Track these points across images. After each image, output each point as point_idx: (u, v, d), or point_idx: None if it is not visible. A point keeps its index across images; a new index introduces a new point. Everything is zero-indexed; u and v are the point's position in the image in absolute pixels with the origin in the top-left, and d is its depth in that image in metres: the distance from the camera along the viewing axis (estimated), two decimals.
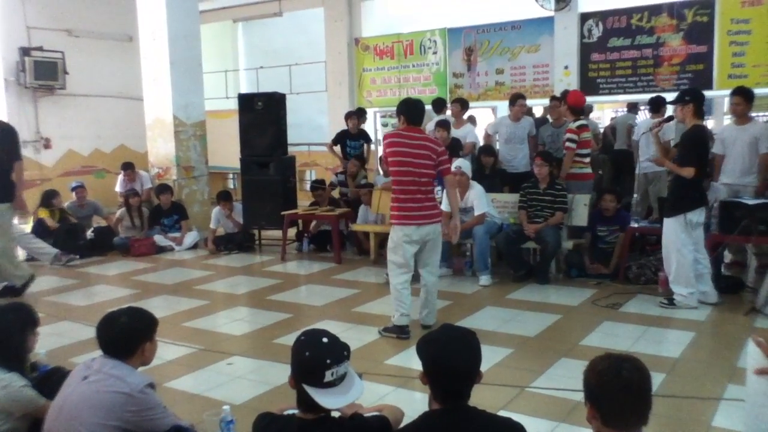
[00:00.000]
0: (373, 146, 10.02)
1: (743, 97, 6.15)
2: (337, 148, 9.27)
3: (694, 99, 5.25)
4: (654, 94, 8.26)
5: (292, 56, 13.29)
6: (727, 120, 6.59)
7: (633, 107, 9.92)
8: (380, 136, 9.83)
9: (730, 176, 6.33)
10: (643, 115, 9.59)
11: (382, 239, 7.72)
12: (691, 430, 3.29)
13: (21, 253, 8.14)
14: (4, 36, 10.35)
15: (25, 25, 10.56)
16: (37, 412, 2.83)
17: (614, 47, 9.76)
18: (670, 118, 6.34)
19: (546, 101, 8.91)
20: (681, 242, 5.26)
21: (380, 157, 6.95)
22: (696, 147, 5.21)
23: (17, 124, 10.41)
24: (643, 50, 9.58)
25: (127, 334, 2.71)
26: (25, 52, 10.39)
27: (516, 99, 7.83)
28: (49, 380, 2.95)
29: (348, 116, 9.31)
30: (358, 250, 8.14)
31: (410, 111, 4.93)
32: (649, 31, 9.50)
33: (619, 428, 1.89)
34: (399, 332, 4.89)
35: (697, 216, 5.28)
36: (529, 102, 10.44)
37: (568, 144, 6.77)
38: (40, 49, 10.57)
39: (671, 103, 5.44)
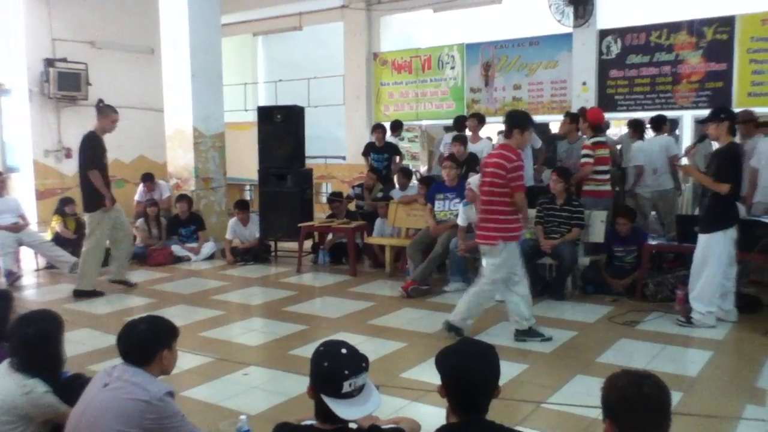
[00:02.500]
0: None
1: None
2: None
3: (729, 117, 5.24)
4: (674, 112, 8.25)
5: (310, 70, 13.39)
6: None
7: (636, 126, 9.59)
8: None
9: (763, 192, 6.28)
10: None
11: (398, 252, 7.75)
12: None
13: (41, 261, 8.27)
14: (30, 47, 10.54)
15: (50, 37, 10.75)
16: (57, 418, 2.85)
17: (633, 64, 9.75)
18: (704, 138, 6.24)
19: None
20: (718, 259, 5.22)
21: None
22: (732, 164, 5.19)
23: (40, 134, 10.70)
24: (661, 67, 9.55)
25: (144, 342, 2.73)
26: (49, 63, 10.56)
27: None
28: (70, 387, 2.97)
29: (373, 129, 9.39)
30: (373, 263, 8.16)
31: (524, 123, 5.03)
32: (668, 49, 9.48)
33: None
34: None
35: (733, 232, 5.26)
36: (546, 118, 10.51)
37: (583, 160, 6.77)
38: (64, 60, 10.75)
39: (705, 121, 5.41)
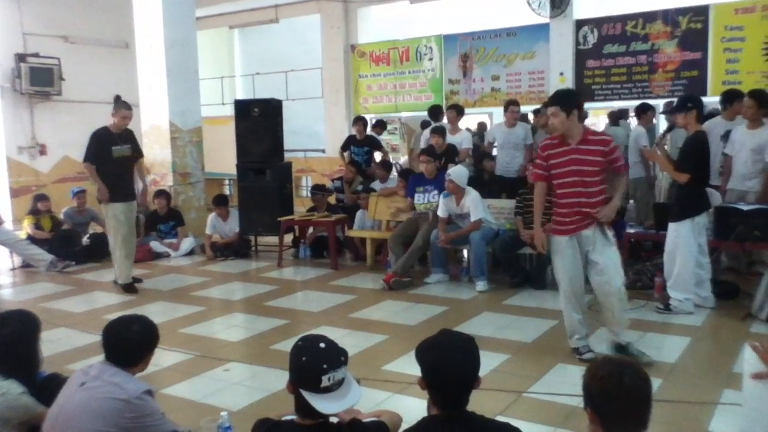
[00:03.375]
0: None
1: (756, 101, 6.11)
2: (346, 154, 9.32)
3: (695, 106, 5.29)
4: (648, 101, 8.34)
5: (288, 63, 13.32)
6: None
7: (616, 117, 9.78)
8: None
9: (735, 180, 6.35)
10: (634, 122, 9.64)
11: (379, 245, 7.74)
12: None
13: (17, 260, 8.14)
14: (1, 42, 10.34)
15: (21, 32, 10.58)
16: (34, 419, 2.80)
17: (609, 54, 9.82)
18: (672, 127, 6.32)
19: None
20: (687, 247, 5.27)
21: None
22: (694, 154, 5.24)
23: (12, 131, 10.54)
24: (638, 57, 9.64)
25: (138, 345, 2.71)
26: (20, 58, 10.39)
27: (508, 105, 7.99)
28: (47, 387, 2.93)
29: (354, 122, 9.37)
30: (354, 256, 8.14)
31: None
32: (643, 38, 9.57)
33: None
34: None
35: (703, 219, 5.32)
36: (524, 109, 10.55)
37: None
38: (36, 55, 10.58)
39: (672, 111, 5.45)
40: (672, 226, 5.38)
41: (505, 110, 7.95)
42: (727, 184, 6.41)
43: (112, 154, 6.67)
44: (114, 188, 6.68)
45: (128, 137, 6.89)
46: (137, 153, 7.06)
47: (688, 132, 5.37)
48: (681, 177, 5.22)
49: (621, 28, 9.71)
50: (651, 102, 8.77)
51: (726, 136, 6.54)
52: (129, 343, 2.69)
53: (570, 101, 4.25)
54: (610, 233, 4.36)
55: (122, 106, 6.81)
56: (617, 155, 4.31)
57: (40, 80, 10.55)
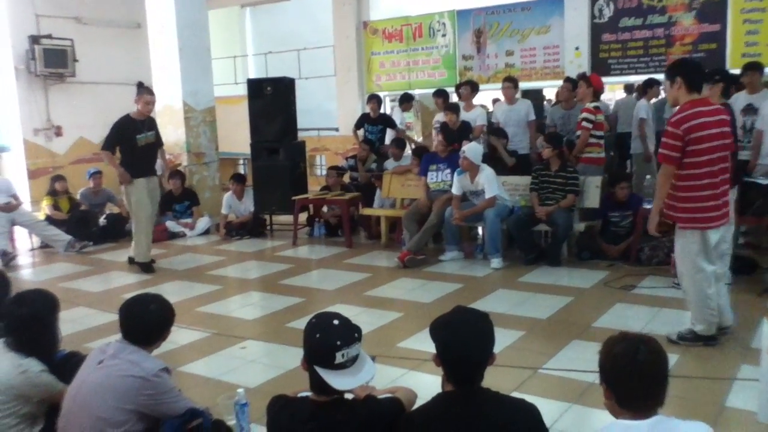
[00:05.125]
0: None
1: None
2: (360, 132, 9.26)
3: (723, 79, 5.19)
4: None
5: (300, 41, 13.23)
6: None
7: (631, 89, 9.84)
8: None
9: (765, 155, 6.23)
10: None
11: (393, 223, 7.74)
12: (705, 410, 3.28)
13: (35, 241, 8.24)
14: (14, 24, 10.36)
15: (34, 13, 10.57)
16: (54, 397, 2.85)
17: (625, 27, 9.65)
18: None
19: (558, 83, 8.84)
20: None
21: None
22: None
23: (28, 113, 10.58)
24: (654, 30, 9.46)
25: (157, 323, 2.74)
26: (34, 40, 10.40)
27: (503, 81, 7.98)
28: (66, 365, 2.97)
29: (368, 99, 9.31)
30: (368, 235, 8.15)
31: (692, 73, 4.02)
32: (660, 11, 9.38)
33: (635, 410, 1.88)
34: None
35: (732, 194, 5.24)
36: (540, 84, 10.45)
37: (584, 124, 6.71)
38: (49, 37, 10.58)
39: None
40: None
41: (502, 87, 7.95)
42: (756, 159, 6.30)
43: (137, 143, 6.70)
44: (137, 170, 6.72)
45: (151, 124, 6.92)
46: (159, 139, 7.08)
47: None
48: None
49: (637, 0, 9.52)
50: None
51: (746, 110, 6.44)
52: (146, 321, 2.72)
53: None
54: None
55: (145, 92, 6.81)
56: None
57: (54, 62, 10.56)
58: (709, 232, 4.01)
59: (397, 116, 9.52)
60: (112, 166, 6.81)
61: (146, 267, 6.88)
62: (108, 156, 6.80)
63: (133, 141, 6.67)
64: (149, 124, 6.87)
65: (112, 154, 6.78)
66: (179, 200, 8.89)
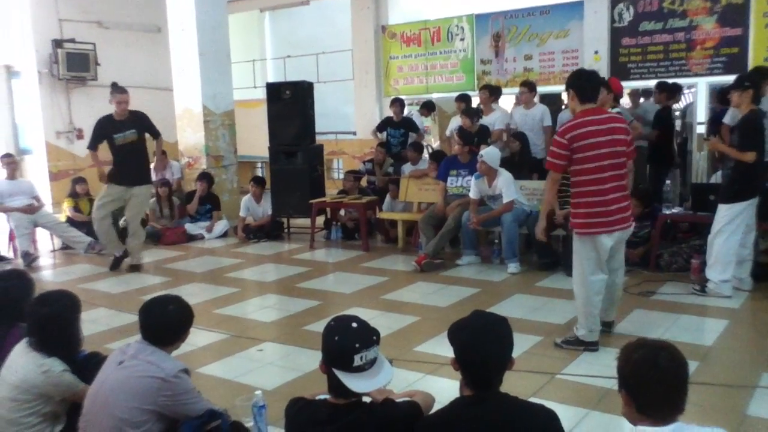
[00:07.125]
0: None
1: None
2: (382, 135, 9.28)
3: (753, 85, 5.15)
4: (687, 79, 8.17)
5: (318, 45, 13.28)
6: None
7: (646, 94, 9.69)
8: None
9: None
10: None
11: (410, 227, 7.74)
12: (726, 418, 3.24)
13: (57, 242, 8.34)
14: (37, 29, 10.53)
15: (57, 18, 10.73)
16: (75, 396, 2.88)
17: (645, 31, 9.57)
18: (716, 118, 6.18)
19: None
20: (733, 227, 5.15)
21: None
22: (754, 132, 5.10)
23: (50, 116, 10.74)
24: (675, 34, 9.37)
25: (176, 324, 2.76)
26: (57, 44, 10.55)
27: (520, 86, 8.02)
28: (87, 365, 3.00)
29: (392, 103, 9.33)
30: (385, 239, 8.15)
31: (583, 84, 4.12)
32: (681, 15, 9.30)
33: (654, 417, 1.87)
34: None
35: (755, 201, 5.20)
36: (558, 88, 10.36)
37: None
38: (72, 41, 10.73)
39: (729, 88, 5.35)
40: (723, 208, 5.22)
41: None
42: None
43: (115, 142, 6.90)
44: (116, 176, 6.94)
45: (134, 122, 6.98)
46: (151, 133, 7.20)
47: (741, 111, 5.23)
48: (747, 156, 5.03)
49: (658, 4, 9.45)
50: (690, 80, 8.60)
51: None
52: (165, 322, 2.74)
53: None
54: None
55: (115, 91, 6.94)
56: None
57: (77, 65, 10.71)
58: (601, 237, 4.08)
59: (416, 120, 9.53)
60: (96, 164, 7.07)
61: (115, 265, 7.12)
62: (92, 155, 7.10)
63: (111, 140, 6.88)
64: (130, 123, 6.94)
65: (95, 152, 7.06)
66: (201, 202, 8.95)
